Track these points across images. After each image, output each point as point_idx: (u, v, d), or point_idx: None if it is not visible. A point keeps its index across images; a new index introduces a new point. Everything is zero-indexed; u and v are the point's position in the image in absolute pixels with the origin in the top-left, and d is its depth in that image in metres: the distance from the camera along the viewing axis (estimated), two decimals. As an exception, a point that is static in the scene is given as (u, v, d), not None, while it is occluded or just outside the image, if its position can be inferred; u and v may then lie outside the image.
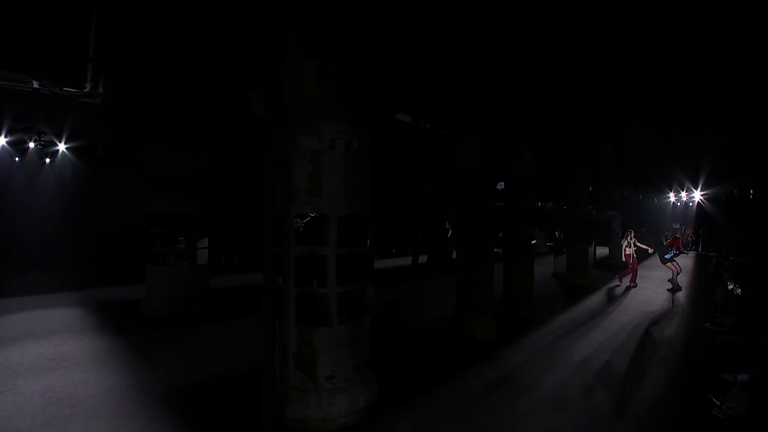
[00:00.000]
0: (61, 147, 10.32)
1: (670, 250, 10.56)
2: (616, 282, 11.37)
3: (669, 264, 10.52)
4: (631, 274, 11.07)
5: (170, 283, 7.58)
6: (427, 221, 14.23)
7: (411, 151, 12.76)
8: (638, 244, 11.19)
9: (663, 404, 4.29)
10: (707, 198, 24.17)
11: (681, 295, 10.07)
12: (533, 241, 8.15)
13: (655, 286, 11.23)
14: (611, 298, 9.71)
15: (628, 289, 10.69)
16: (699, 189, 24.13)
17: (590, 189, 14.01)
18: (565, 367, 5.22)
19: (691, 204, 26.02)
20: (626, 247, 11.16)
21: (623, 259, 11.35)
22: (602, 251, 17.14)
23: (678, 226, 26.69)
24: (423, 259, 14.37)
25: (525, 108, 7.59)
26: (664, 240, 25.25)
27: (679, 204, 26.91)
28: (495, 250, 6.82)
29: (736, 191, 21.87)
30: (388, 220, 15.74)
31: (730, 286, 6.12)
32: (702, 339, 6.50)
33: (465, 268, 6.59)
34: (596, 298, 9.74)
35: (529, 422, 3.89)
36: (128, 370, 5.05)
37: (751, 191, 18.93)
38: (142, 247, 8.20)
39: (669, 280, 10.82)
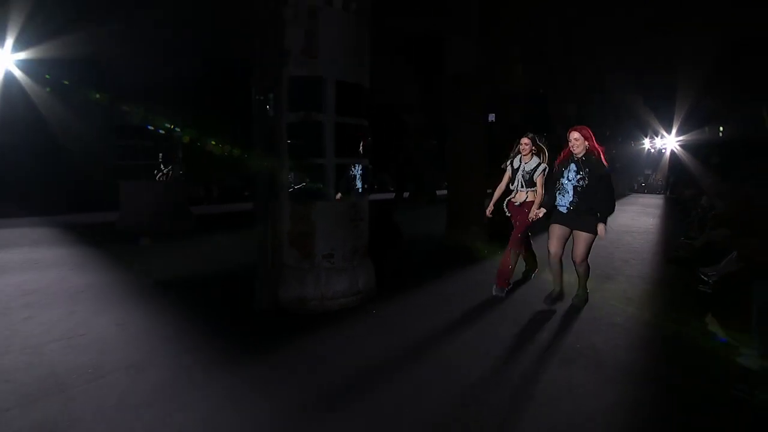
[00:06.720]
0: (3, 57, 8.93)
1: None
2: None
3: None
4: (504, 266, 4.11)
5: (146, 198, 7.19)
6: (409, 152, 13.92)
7: (390, 72, 11.97)
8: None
9: (652, 291, 4.45)
10: (681, 145, 24.70)
11: (651, 223, 10.44)
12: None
13: (631, 216, 11.62)
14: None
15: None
16: (673, 135, 24.65)
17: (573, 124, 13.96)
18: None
19: (663, 151, 26.66)
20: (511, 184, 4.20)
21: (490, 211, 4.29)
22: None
23: (650, 172, 27.55)
24: (406, 195, 14.25)
25: (519, 15, 7.19)
26: (636, 186, 25.78)
27: (653, 150, 27.56)
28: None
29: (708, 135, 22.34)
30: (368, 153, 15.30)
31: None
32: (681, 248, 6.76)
33: (456, 180, 6.48)
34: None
35: (516, 305, 3.82)
36: (107, 271, 4.81)
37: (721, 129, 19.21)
38: (111, 172, 7.73)
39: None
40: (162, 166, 7.47)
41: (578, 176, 3.39)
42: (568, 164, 3.46)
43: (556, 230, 3.54)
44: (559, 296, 3.70)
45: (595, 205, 3.34)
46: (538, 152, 3.95)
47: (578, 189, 3.39)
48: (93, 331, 3.06)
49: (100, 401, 2.10)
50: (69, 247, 6.03)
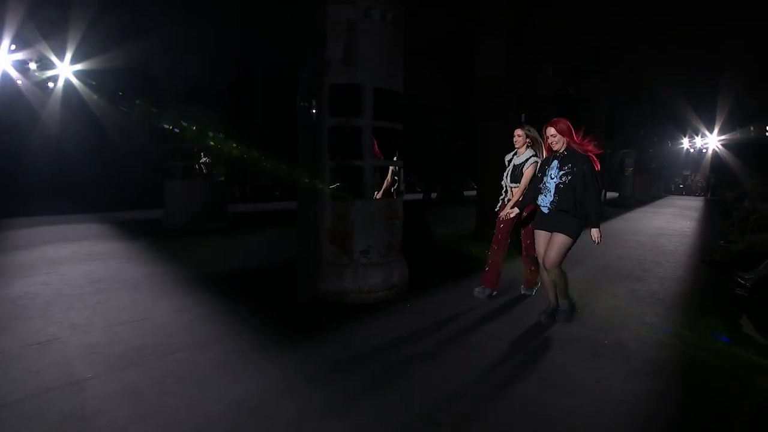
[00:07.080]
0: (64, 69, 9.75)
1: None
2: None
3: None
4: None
5: (189, 197, 7.69)
6: (437, 155, 14.06)
7: (419, 75, 12.11)
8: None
9: (684, 293, 4.45)
10: (723, 144, 23.52)
11: (688, 226, 10.14)
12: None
13: (667, 218, 11.32)
14: (626, 223, 9.83)
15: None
16: (715, 134, 23.51)
17: (605, 124, 13.63)
18: (587, 268, 5.32)
19: (704, 150, 25.48)
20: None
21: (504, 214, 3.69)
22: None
23: (689, 173, 26.43)
24: (434, 196, 14.39)
25: (549, 17, 7.22)
26: (673, 187, 24.62)
27: (692, 150, 26.37)
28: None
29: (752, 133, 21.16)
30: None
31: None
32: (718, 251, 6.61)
33: (484, 180, 6.59)
34: (611, 223, 9.86)
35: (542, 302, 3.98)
36: (161, 263, 5.23)
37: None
38: (157, 174, 8.31)
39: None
40: (198, 165, 7.99)
41: (561, 172, 3.07)
42: (551, 162, 3.17)
43: (541, 236, 3.23)
44: (556, 311, 3.38)
45: (585, 205, 3.03)
46: (534, 145, 3.59)
47: (560, 186, 3.06)
48: (155, 316, 3.41)
49: (175, 371, 2.42)
50: (124, 241, 6.56)
